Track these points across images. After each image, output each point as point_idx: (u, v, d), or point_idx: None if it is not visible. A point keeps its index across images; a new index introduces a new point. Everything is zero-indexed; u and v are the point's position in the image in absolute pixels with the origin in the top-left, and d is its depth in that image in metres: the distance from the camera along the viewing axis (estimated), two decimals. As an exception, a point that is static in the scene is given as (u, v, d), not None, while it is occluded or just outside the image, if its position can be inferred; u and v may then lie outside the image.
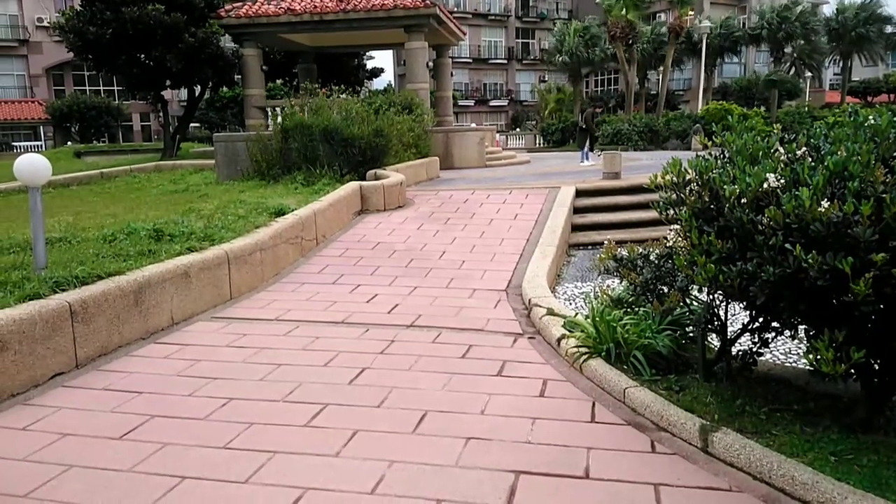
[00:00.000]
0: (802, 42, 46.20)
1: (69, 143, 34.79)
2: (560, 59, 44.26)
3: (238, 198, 10.27)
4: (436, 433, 3.76)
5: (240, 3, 19.14)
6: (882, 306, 2.90)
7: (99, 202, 12.39)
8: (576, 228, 10.61)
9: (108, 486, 3.23)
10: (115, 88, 43.29)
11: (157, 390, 4.44)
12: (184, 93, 28.72)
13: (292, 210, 8.86)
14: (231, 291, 6.78)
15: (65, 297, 4.84)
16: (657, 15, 52.84)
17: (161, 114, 27.39)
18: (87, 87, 44.55)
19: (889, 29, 50.07)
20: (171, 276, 5.87)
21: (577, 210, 11.08)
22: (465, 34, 24.27)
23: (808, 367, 3.50)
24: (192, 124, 35.11)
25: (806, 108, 37.74)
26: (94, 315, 5.00)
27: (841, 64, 51.36)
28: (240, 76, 22.38)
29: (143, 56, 21.71)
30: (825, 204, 2.82)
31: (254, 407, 4.14)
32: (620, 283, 5.04)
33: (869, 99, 50.24)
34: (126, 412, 4.10)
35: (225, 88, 30.55)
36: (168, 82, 23.26)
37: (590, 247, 9.84)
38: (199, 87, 25.26)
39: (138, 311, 5.48)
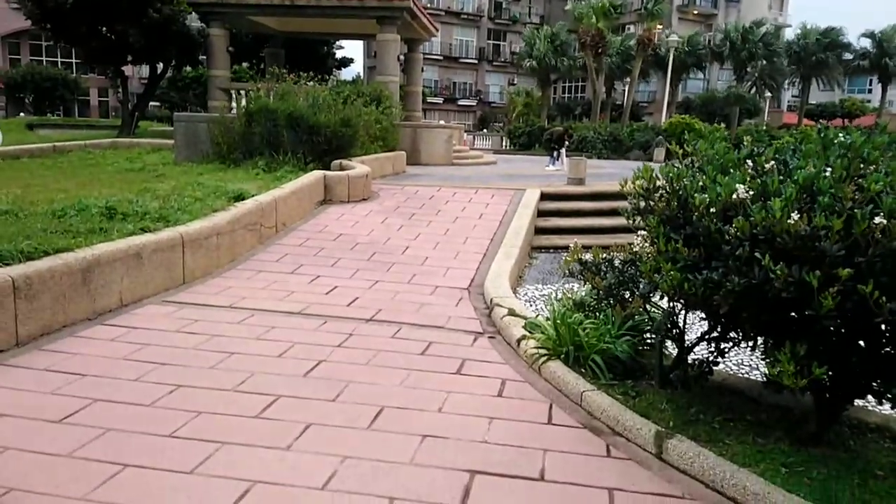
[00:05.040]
0: (764, 62, 47.48)
1: (22, 114, 33.50)
2: (529, 63, 44.52)
3: (196, 180, 9.99)
4: (391, 430, 3.69)
5: (210, -18, 18.66)
6: (841, 321, 2.93)
7: (50, 176, 11.90)
8: (539, 231, 10.64)
9: (44, 472, 3.07)
10: (74, 61, 41.75)
11: (101, 373, 4.26)
12: (145, 69, 27.95)
13: (252, 195, 8.65)
14: (184, 275, 6.58)
15: (8, 271, 4.62)
16: (626, 27, 53.61)
17: (120, 90, 26.56)
18: (45, 58, 42.90)
19: (847, 56, 51.74)
20: (122, 255, 5.66)
21: (541, 213, 11.11)
22: (437, 30, 24.16)
23: (760, 379, 3.55)
24: (152, 103, 34.19)
25: (764, 127, 38.75)
26: (38, 292, 4.78)
27: (800, 86, 52.88)
28: (205, 56, 21.81)
29: (104, 29, 20.98)
30: (794, 216, 2.84)
31: (203, 395, 4.01)
32: (582, 286, 5.04)
33: (824, 122, 51.85)
34: (67, 395, 3.92)
35: (188, 68, 29.75)
36: (129, 57, 22.57)
37: (552, 250, 9.87)
38: (161, 64, 24.56)
39: (86, 290, 5.26)
